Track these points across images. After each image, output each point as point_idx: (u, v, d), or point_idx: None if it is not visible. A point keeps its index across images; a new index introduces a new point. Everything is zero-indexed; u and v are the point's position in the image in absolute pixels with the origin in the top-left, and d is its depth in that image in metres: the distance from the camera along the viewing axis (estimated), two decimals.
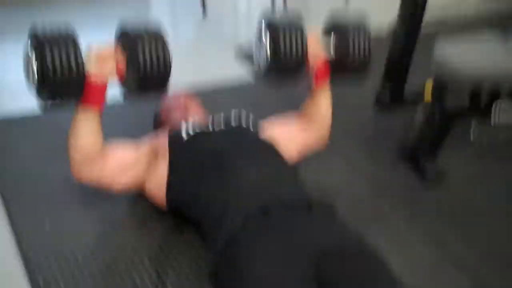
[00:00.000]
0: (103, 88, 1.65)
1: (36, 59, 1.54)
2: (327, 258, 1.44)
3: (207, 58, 3.01)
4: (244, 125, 1.96)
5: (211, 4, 3.50)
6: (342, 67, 1.92)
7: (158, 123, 2.13)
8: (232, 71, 2.87)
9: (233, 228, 1.53)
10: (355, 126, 2.46)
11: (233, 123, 1.96)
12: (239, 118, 1.98)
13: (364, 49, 1.89)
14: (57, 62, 1.52)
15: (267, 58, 1.83)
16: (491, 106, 2.17)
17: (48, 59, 1.51)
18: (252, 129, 1.96)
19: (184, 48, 3.15)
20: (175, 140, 1.87)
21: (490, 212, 2.10)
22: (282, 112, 2.12)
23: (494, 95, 2.15)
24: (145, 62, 1.62)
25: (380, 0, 3.91)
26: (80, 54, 1.56)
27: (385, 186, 2.16)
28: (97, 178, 1.76)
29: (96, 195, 1.90)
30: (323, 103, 2.01)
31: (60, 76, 1.53)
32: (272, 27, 1.81)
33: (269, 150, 1.88)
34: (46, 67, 1.52)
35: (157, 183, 1.83)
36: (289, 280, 1.39)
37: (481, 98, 2.16)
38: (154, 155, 1.86)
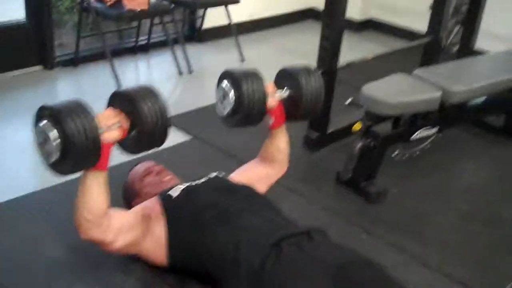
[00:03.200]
0: (110, 149, 1.76)
1: (58, 137, 1.61)
2: (343, 272, 1.67)
3: None
4: (220, 176, 2.18)
5: (123, 77, 3.65)
6: (297, 108, 2.10)
7: (131, 195, 2.22)
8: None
9: (254, 270, 1.71)
10: (295, 167, 2.74)
11: (211, 175, 2.16)
12: (215, 173, 2.19)
13: (316, 90, 2.09)
14: (77, 133, 1.60)
15: (233, 107, 2.00)
16: (410, 129, 2.61)
17: (70, 132, 1.59)
18: (228, 178, 2.18)
19: None
20: (166, 200, 2.00)
21: (428, 214, 2.53)
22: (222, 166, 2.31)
23: (412, 120, 2.60)
24: (149, 119, 1.74)
25: (271, 56, 4.42)
26: (95, 121, 1.65)
27: (339, 211, 2.48)
28: (102, 237, 1.85)
29: (92, 270, 2.00)
30: (282, 141, 2.23)
31: (80, 147, 1.61)
32: (236, 79, 1.99)
33: (254, 194, 2.10)
34: (69, 141, 1.60)
35: (155, 244, 1.95)
36: None
37: (400, 124, 2.59)
38: (146, 220, 1.97)
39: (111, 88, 3.38)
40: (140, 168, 2.27)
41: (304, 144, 2.97)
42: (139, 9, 3.41)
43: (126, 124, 1.77)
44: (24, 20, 3.58)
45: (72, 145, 1.61)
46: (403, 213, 2.51)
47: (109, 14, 3.45)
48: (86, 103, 1.69)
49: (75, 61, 3.80)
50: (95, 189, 1.78)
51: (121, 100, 1.80)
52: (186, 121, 3.20)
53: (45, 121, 1.65)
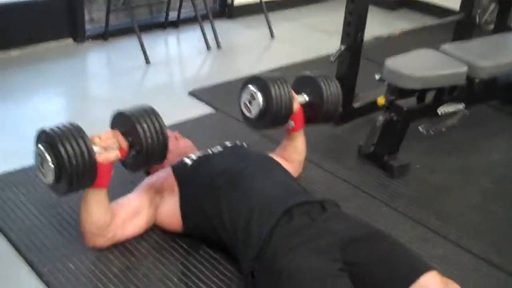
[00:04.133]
0: (110, 168, 1.81)
1: (52, 160, 1.67)
2: (353, 244, 1.69)
3: (161, 100, 3.16)
4: (238, 143, 2.19)
5: (153, 51, 3.69)
6: (315, 113, 2.24)
7: None
8: (189, 108, 3.07)
9: (265, 235, 1.72)
10: (319, 141, 2.75)
11: (228, 144, 2.18)
12: (232, 142, 2.20)
13: (336, 96, 2.22)
14: (70, 158, 1.65)
15: (260, 110, 2.09)
16: (435, 104, 2.56)
17: (63, 157, 1.65)
18: (246, 146, 2.20)
19: (137, 92, 3.30)
20: (180, 169, 2.03)
21: (450, 190, 2.50)
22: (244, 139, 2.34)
23: (437, 95, 2.55)
24: (146, 139, 1.79)
25: (301, 34, 4.40)
26: (89, 144, 1.70)
27: (361, 184, 2.47)
28: (109, 243, 1.93)
29: None
30: (300, 144, 2.32)
31: (73, 171, 1.67)
32: (265, 83, 2.07)
33: (270, 161, 2.12)
34: (62, 166, 1.66)
35: (169, 214, 1.99)
36: (322, 265, 1.62)
37: (426, 98, 2.55)
38: (158, 193, 2.01)
39: (140, 62, 3.56)
40: None
41: None
42: None
43: (124, 144, 1.82)
44: None
45: (65, 170, 1.67)
46: (425, 188, 2.48)
47: None
48: (81, 128, 1.73)
49: (105, 35, 3.84)
50: (95, 206, 1.83)
51: (120, 121, 1.85)
52: (211, 94, 3.22)
53: (41, 145, 1.71)
